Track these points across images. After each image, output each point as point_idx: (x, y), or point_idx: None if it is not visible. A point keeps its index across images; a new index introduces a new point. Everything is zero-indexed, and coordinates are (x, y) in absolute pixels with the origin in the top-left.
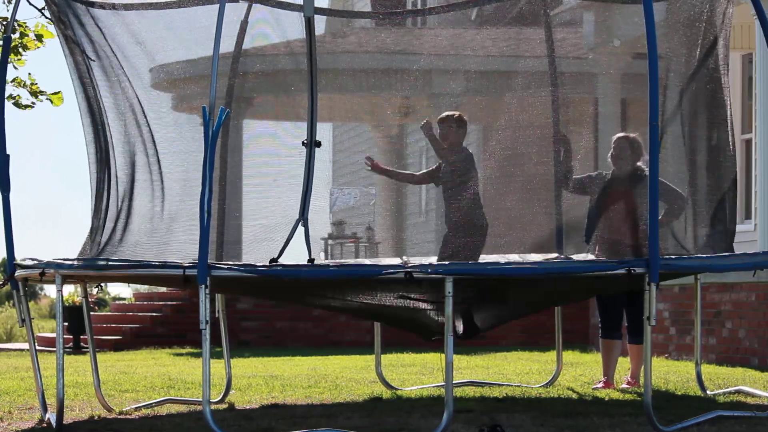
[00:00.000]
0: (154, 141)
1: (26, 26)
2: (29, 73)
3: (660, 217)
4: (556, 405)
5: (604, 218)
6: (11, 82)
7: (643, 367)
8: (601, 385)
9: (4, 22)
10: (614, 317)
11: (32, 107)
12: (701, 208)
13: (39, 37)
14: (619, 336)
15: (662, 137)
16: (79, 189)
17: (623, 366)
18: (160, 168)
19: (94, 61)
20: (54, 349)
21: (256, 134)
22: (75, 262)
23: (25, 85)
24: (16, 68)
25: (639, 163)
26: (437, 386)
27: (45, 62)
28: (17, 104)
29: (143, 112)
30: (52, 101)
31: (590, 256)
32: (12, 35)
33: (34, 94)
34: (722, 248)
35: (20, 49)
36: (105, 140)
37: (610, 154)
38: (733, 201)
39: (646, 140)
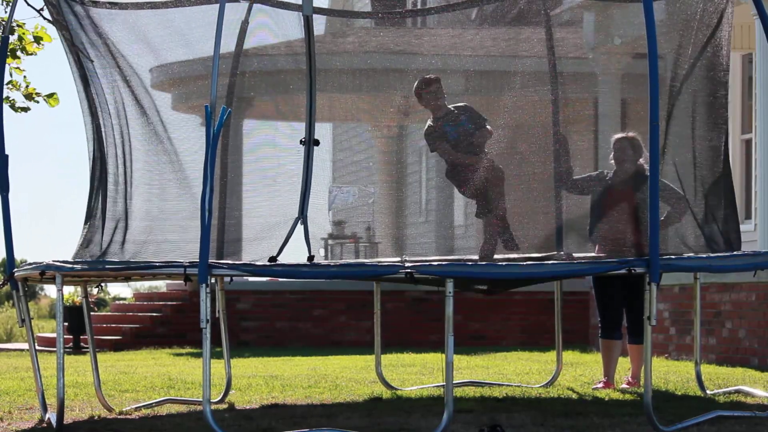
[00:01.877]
0: (154, 141)
1: (25, 27)
2: (24, 76)
3: (661, 219)
4: (556, 405)
5: (607, 218)
6: (6, 84)
7: (643, 367)
8: (601, 385)
9: (3, 23)
10: (614, 317)
11: (28, 110)
12: (702, 208)
13: (37, 40)
14: (619, 336)
15: (665, 139)
16: (76, 189)
17: (623, 366)
18: (160, 167)
19: (92, 61)
20: (54, 349)
21: (256, 133)
22: (76, 264)
23: (19, 88)
24: (11, 76)
25: (641, 161)
26: (437, 386)
27: (43, 65)
28: (12, 107)
29: (143, 112)
30: (48, 103)
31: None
32: (10, 36)
33: (30, 96)
34: (728, 248)
35: (18, 53)
36: (106, 140)
37: (611, 156)
38: (731, 199)
39: (644, 139)
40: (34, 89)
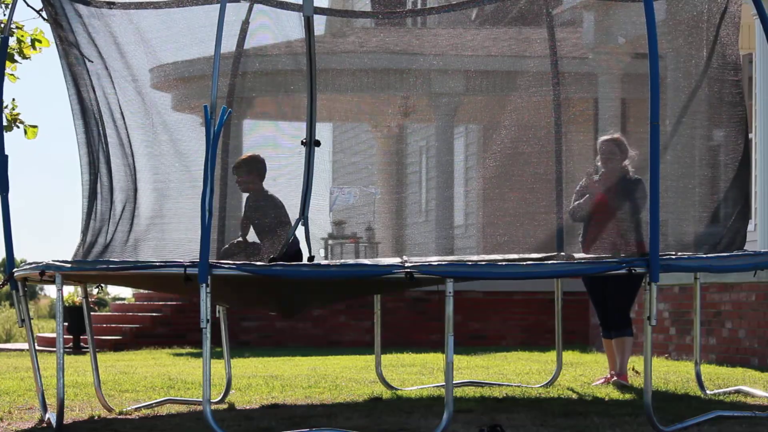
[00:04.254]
0: (154, 141)
1: (24, 29)
2: (13, 99)
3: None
4: (556, 405)
5: (597, 219)
6: None
7: (629, 361)
8: (601, 381)
9: (2, 25)
10: (603, 316)
11: (10, 129)
12: (706, 207)
13: (34, 43)
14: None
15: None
16: (76, 189)
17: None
18: (159, 168)
19: (92, 62)
20: (54, 349)
21: (256, 134)
22: (76, 264)
23: (5, 108)
24: (8, 78)
25: (625, 162)
26: (437, 386)
27: (41, 68)
28: None
29: (143, 112)
30: (26, 132)
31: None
32: (9, 37)
33: (14, 119)
34: (730, 248)
35: (16, 56)
36: (100, 142)
37: (598, 158)
38: (744, 200)
39: (642, 139)
40: (19, 114)
